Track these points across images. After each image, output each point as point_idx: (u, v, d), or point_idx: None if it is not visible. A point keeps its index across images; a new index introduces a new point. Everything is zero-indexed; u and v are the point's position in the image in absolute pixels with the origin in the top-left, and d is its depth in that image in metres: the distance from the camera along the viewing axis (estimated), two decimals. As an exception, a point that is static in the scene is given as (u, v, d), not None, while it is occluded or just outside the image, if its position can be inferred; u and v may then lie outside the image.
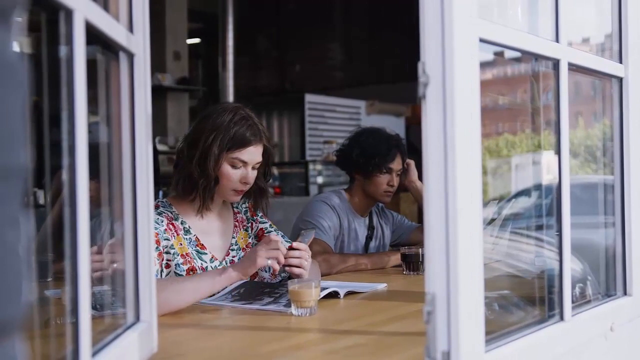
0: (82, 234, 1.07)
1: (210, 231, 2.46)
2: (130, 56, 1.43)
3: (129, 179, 1.45)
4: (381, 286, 2.51)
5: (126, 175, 1.45)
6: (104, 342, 1.26)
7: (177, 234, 2.35)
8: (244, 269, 2.19)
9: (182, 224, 2.39)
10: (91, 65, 1.15)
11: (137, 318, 1.45)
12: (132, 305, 1.45)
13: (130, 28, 1.44)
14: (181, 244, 2.34)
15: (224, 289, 2.22)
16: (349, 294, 2.33)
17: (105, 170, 1.44)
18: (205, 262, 2.39)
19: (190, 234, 2.39)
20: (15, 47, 0.62)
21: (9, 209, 0.58)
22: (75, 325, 1.07)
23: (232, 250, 2.50)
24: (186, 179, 2.37)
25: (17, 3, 0.61)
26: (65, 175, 1.07)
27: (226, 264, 2.44)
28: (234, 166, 2.37)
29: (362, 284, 2.48)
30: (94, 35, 1.19)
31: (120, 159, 1.44)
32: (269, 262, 2.16)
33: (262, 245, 2.20)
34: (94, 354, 1.15)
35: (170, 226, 2.34)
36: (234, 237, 2.53)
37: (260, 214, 2.65)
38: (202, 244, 2.41)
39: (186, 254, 2.34)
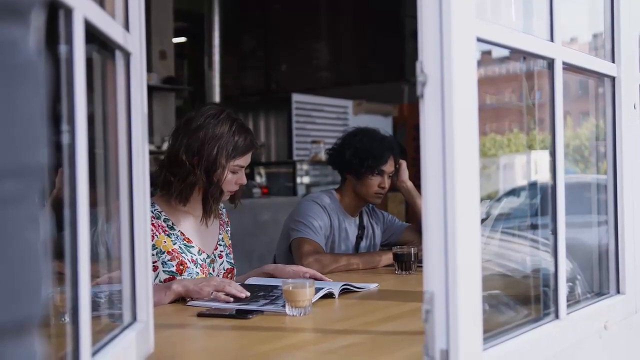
0: (82, 234, 1.07)
1: (197, 227, 2.53)
2: (127, 55, 1.43)
3: (126, 178, 1.44)
4: (373, 286, 2.51)
5: (122, 175, 1.44)
6: (103, 342, 1.25)
7: (160, 233, 2.40)
8: (187, 286, 2.21)
9: (165, 221, 2.45)
10: (86, 64, 1.14)
11: (134, 318, 1.45)
12: (129, 305, 1.44)
13: (127, 27, 1.43)
14: (165, 242, 2.40)
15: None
16: (344, 292, 2.34)
17: (101, 169, 1.43)
18: (194, 254, 2.45)
19: (175, 230, 2.45)
20: (34, 46, 0.61)
21: (28, 208, 0.58)
22: (75, 326, 1.06)
23: (220, 245, 2.59)
24: (189, 187, 2.43)
25: (36, 2, 0.61)
26: (65, 175, 1.06)
27: (215, 257, 2.54)
28: (233, 172, 2.46)
29: (354, 283, 2.48)
30: (92, 34, 1.18)
31: (116, 158, 1.43)
32: (213, 293, 2.17)
33: (221, 282, 2.23)
34: (94, 353, 1.14)
35: (151, 225, 2.36)
36: (220, 234, 2.61)
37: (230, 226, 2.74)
38: (188, 238, 2.47)
39: (172, 249, 2.40)
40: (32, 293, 0.59)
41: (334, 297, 2.26)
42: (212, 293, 2.17)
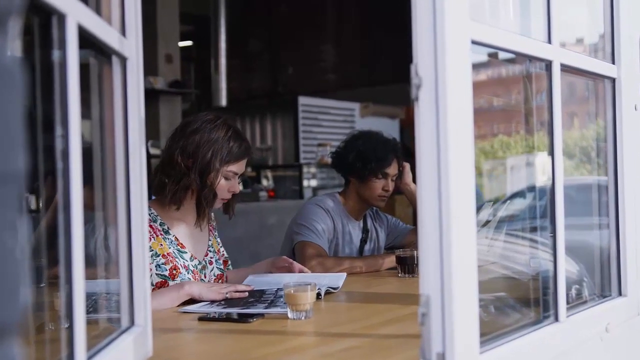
0: (76, 238, 1.07)
1: (189, 233, 2.55)
2: (123, 60, 1.43)
3: (123, 183, 1.44)
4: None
5: (120, 180, 1.44)
6: (99, 347, 1.25)
7: (157, 235, 2.44)
8: (201, 290, 2.28)
9: (160, 225, 2.47)
10: (83, 69, 1.14)
11: (132, 322, 1.45)
12: (126, 310, 1.44)
13: (123, 32, 1.43)
14: (161, 245, 2.43)
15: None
16: (327, 293, 2.38)
17: (99, 175, 1.44)
18: (186, 260, 2.48)
19: (170, 234, 2.48)
20: (12, 52, 0.62)
21: (7, 213, 0.59)
22: (70, 330, 1.07)
23: (210, 251, 2.62)
24: (183, 190, 2.45)
25: (14, 8, 0.62)
26: (59, 180, 1.06)
27: (205, 263, 2.57)
28: (226, 178, 2.48)
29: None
30: (87, 40, 1.19)
31: (114, 163, 1.44)
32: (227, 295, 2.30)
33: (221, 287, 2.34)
34: (89, 358, 1.15)
35: (149, 228, 2.38)
36: (210, 240, 2.64)
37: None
38: (182, 243, 2.50)
39: (167, 253, 2.43)
40: (10, 298, 0.59)
41: (320, 298, 2.28)
42: (227, 293, 2.27)
